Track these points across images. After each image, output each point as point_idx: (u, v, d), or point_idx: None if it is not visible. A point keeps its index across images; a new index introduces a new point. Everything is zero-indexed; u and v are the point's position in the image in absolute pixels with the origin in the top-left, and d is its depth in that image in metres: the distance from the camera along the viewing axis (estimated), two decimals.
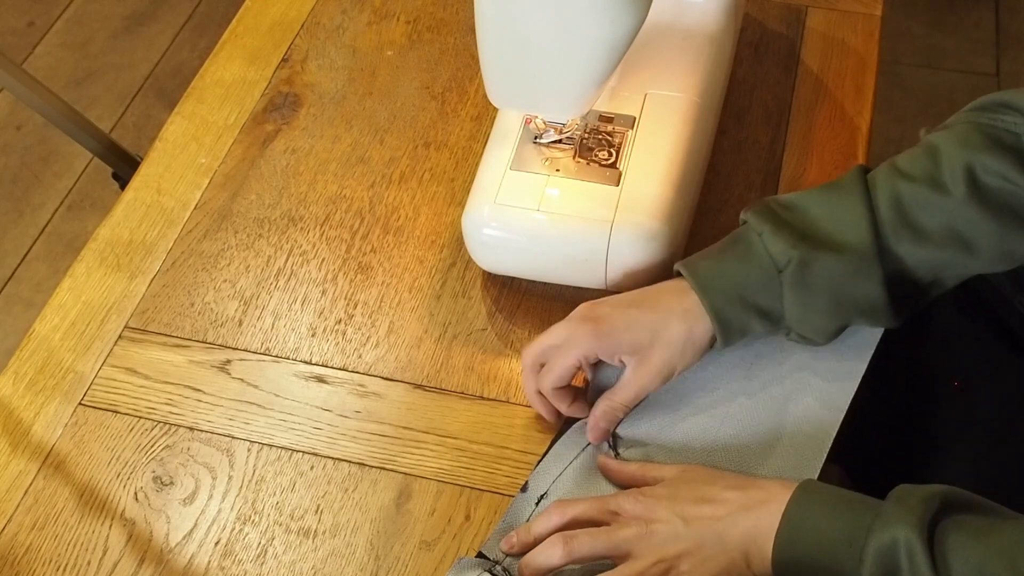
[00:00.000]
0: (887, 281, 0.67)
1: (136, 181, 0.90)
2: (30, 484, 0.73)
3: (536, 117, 0.78)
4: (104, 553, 0.70)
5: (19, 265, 1.86)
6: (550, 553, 0.63)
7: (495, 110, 0.86)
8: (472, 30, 0.66)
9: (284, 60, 0.99)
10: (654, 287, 0.71)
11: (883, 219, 0.67)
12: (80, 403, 0.76)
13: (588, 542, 0.63)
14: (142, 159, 0.93)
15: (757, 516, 0.61)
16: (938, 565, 0.54)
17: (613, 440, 0.71)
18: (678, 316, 0.68)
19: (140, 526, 0.71)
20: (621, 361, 0.69)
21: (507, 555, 0.66)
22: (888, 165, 0.70)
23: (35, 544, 0.70)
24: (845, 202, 0.68)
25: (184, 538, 0.70)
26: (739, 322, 0.68)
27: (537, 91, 0.68)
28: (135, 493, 0.72)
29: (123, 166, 1.30)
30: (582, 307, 0.70)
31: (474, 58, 0.94)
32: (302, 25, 1.02)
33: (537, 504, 0.68)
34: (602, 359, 0.69)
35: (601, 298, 0.71)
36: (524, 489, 0.69)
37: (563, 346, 0.69)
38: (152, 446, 0.74)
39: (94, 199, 1.94)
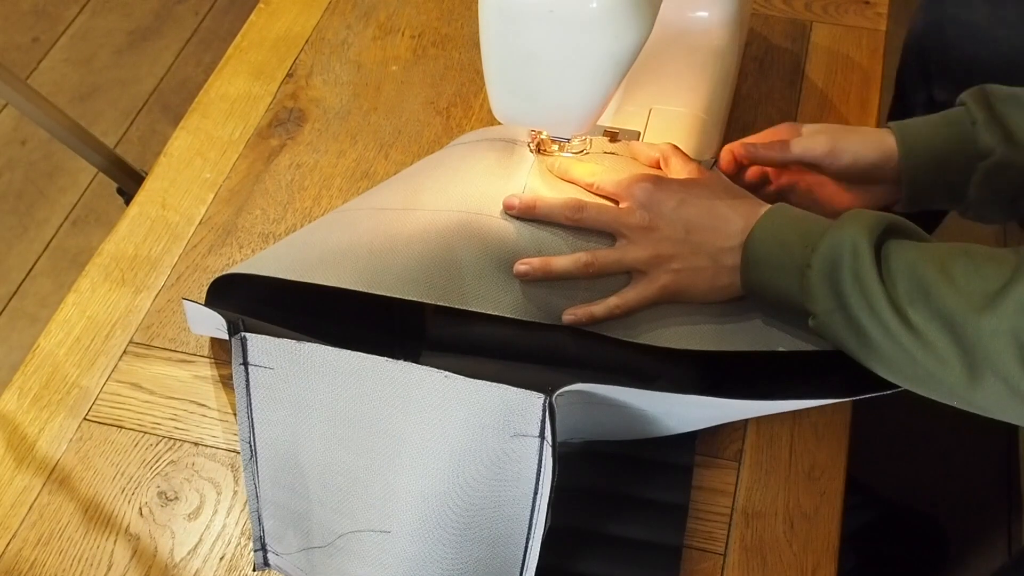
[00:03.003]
0: None
1: (141, 196, 0.90)
2: (35, 499, 0.73)
3: (541, 132, 0.78)
4: (109, 568, 0.69)
5: (24, 280, 1.86)
6: (560, 211, 0.69)
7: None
8: (477, 45, 0.66)
9: (289, 75, 0.99)
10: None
11: None
12: (85, 418, 0.76)
13: (595, 214, 0.69)
14: (147, 174, 0.93)
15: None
16: (879, 260, 0.60)
17: None
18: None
19: (145, 541, 0.70)
20: None
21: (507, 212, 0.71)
22: None
23: (40, 559, 0.70)
24: None
25: (189, 553, 0.70)
26: (929, 185, 0.72)
27: (542, 106, 0.68)
28: (140, 508, 0.72)
29: (128, 181, 1.30)
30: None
31: (479, 73, 0.94)
32: (307, 40, 1.02)
33: None
34: None
35: None
36: None
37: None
38: (157, 461, 0.74)
39: (99, 214, 1.95)
